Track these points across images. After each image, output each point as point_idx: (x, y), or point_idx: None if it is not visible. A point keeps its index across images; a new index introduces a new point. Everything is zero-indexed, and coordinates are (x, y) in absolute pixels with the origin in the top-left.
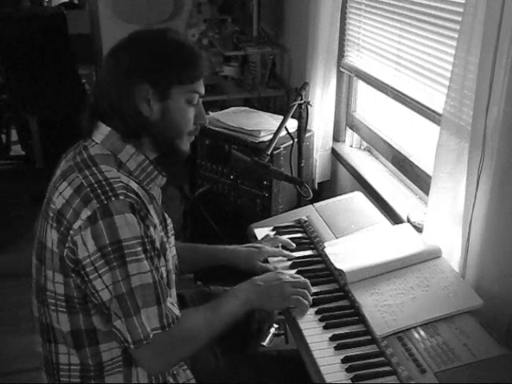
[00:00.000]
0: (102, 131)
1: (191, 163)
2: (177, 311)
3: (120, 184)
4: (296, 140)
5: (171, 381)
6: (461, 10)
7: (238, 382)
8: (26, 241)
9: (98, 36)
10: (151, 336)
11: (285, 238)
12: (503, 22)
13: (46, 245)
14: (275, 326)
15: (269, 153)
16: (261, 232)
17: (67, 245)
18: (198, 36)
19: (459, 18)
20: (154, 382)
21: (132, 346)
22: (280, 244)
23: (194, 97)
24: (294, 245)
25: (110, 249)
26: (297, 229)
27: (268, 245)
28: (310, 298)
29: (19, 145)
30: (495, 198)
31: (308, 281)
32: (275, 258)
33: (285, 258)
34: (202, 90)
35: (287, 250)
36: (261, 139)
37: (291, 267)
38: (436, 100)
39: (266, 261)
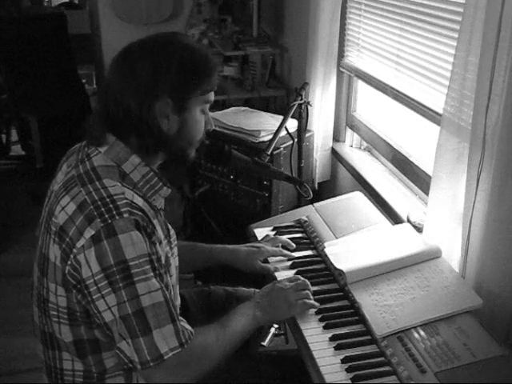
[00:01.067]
0: (108, 140)
1: (191, 163)
2: (189, 326)
3: (124, 201)
4: (296, 140)
5: None
6: (461, 10)
7: (238, 382)
8: (26, 241)
9: (98, 36)
10: (169, 355)
11: (285, 238)
12: (503, 22)
13: (48, 258)
14: (275, 326)
15: (269, 153)
16: (261, 232)
17: (69, 262)
18: (198, 36)
19: (459, 18)
20: None
21: (139, 367)
22: (280, 244)
23: (207, 106)
24: (294, 245)
25: (114, 269)
26: (297, 229)
27: (268, 245)
28: (312, 297)
29: (19, 145)
30: (495, 197)
31: (307, 280)
32: (275, 258)
33: (285, 258)
34: (213, 98)
35: (287, 250)
36: (261, 139)
37: (291, 267)
38: (436, 100)
39: (266, 261)
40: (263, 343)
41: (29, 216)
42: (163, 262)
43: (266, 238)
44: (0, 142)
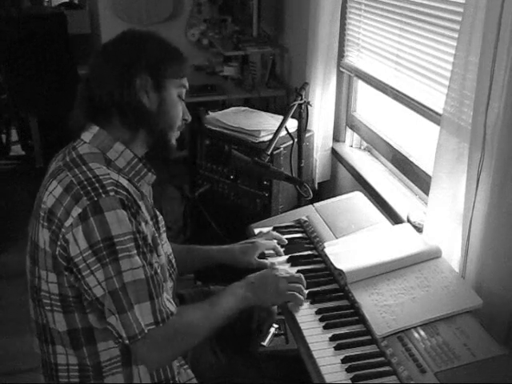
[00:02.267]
0: (92, 130)
1: (191, 163)
2: (172, 307)
3: (110, 180)
4: (296, 140)
5: (172, 381)
6: (461, 10)
7: (239, 382)
8: (25, 241)
9: (98, 36)
10: (146, 331)
11: (276, 233)
12: (503, 22)
13: (38, 245)
14: (275, 326)
15: (269, 153)
16: None
17: (59, 243)
18: (198, 36)
19: (459, 18)
20: (156, 380)
21: (127, 342)
22: (274, 239)
23: (182, 91)
24: (286, 241)
25: (101, 245)
26: (297, 229)
27: (262, 239)
28: (305, 291)
29: (19, 145)
30: (495, 197)
31: (302, 275)
32: (272, 252)
33: (282, 256)
34: (187, 85)
35: (281, 246)
36: (261, 139)
37: (291, 266)
38: (436, 100)
39: (263, 257)
40: (263, 343)
41: (29, 216)
42: (150, 241)
43: (259, 234)
44: (0, 142)
